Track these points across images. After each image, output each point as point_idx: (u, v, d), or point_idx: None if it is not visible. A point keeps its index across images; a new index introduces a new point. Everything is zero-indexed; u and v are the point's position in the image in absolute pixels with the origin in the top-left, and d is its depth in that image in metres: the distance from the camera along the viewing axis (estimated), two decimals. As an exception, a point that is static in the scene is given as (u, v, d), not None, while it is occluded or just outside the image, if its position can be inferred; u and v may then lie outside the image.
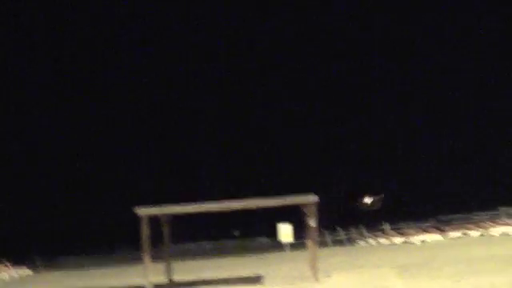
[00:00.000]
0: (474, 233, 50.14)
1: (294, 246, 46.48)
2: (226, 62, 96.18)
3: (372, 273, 24.62)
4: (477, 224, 52.63)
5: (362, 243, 55.09)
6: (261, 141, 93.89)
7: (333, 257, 35.91)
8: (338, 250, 47.29)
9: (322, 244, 47.72)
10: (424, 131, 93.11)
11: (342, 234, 57.78)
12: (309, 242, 25.30)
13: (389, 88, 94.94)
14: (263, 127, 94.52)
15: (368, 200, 55.95)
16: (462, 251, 32.48)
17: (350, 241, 56.58)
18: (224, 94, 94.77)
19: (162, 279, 26.32)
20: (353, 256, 37.41)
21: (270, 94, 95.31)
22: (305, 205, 24.62)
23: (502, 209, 57.77)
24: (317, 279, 22.82)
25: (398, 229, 57.28)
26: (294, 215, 25.96)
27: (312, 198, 24.17)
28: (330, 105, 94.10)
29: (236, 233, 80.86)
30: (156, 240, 26.27)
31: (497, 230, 48.32)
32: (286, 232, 45.46)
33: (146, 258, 23.79)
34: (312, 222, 24.27)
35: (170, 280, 26.68)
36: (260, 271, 28.71)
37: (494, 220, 53.41)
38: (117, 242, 73.77)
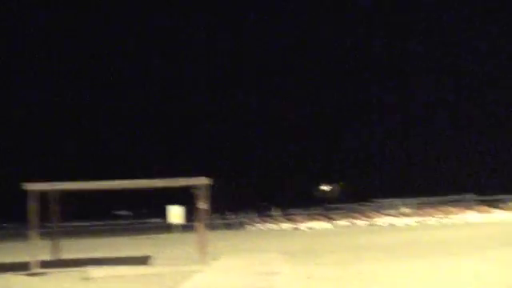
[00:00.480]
0: (360, 222, 51.49)
1: (185, 228, 46.47)
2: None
3: (260, 257, 24.88)
4: (363, 213, 54.07)
5: (251, 228, 55.65)
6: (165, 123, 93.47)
7: (222, 240, 36.13)
8: (227, 233, 47.58)
9: (212, 227, 47.89)
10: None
11: (231, 218, 58.20)
12: (198, 225, 25.32)
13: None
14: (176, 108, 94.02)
15: (326, 187, 56.59)
16: (348, 239, 33.29)
17: (240, 225, 57.07)
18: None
19: (49, 257, 25.85)
20: (241, 240, 37.74)
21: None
22: (196, 187, 24.62)
23: (389, 200, 59.59)
24: (204, 262, 22.87)
25: (288, 215, 58.18)
26: (189, 197, 25.93)
27: (203, 181, 24.17)
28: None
29: (128, 213, 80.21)
30: (46, 217, 25.75)
31: (382, 220, 49.78)
32: (175, 214, 45.34)
33: (33, 235, 23.29)
34: (202, 205, 24.28)
35: (58, 258, 26.23)
36: (149, 252, 28.59)
37: (379, 210, 55.02)
38: (4, 218, 71.95)
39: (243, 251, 29.09)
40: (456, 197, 68.82)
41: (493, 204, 52.33)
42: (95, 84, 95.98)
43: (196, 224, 25.71)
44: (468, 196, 71.49)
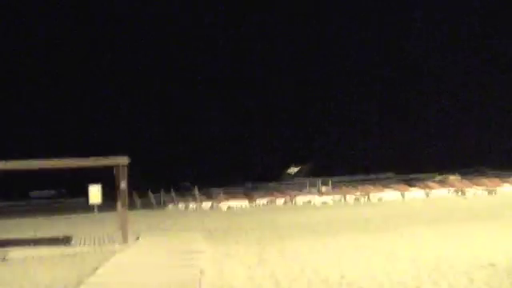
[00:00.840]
0: (280, 200, 52.01)
1: (105, 208, 46.09)
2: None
3: (181, 236, 25.02)
4: (282, 192, 54.62)
5: (171, 207, 55.59)
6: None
7: (142, 220, 36.10)
8: (147, 213, 47.46)
9: (132, 206, 47.68)
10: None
11: (151, 197, 57.97)
12: (119, 204, 25.26)
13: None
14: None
15: (294, 169, 56.68)
16: (268, 217, 33.69)
17: (160, 204, 56.90)
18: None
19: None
20: (162, 219, 37.74)
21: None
22: (116, 166, 24.53)
23: (309, 179, 60.41)
24: (126, 241, 22.89)
25: (207, 194, 58.31)
26: (110, 177, 25.78)
27: (123, 160, 24.09)
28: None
29: (47, 193, 78.99)
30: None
31: (301, 199, 50.41)
32: (95, 193, 44.84)
33: None
34: (122, 184, 24.22)
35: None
36: (69, 232, 28.37)
37: (301, 189, 55.72)
38: None
39: (164, 230, 29.16)
40: (375, 175, 70.31)
41: (410, 182, 53.63)
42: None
43: (117, 204, 25.65)
44: (389, 174, 73.14)
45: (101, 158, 25.08)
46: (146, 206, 55.26)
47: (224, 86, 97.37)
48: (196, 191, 56.84)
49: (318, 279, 12.84)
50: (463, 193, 46.95)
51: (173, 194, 58.41)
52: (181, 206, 55.30)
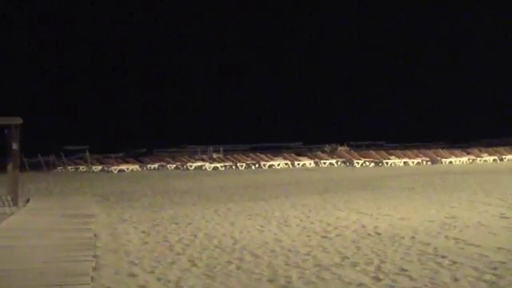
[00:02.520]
0: (171, 166, 52.19)
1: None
2: None
3: (73, 200, 24.87)
4: (175, 158, 54.77)
5: (62, 170, 54.85)
6: None
7: (33, 182, 35.53)
8: (36, 175, 46.68)
9: (21, 168, 46.72)
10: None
11: (41, 159, 56.97)
12: (9, 166, 24.80)
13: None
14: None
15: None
16: (160, 183, 33.84)
17: (51, 167, 56.02)
18: None
19: None
20: (53, 182, 37.28)
21: None
22: (8, 127, 24.06)
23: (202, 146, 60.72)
24: (16, 204, 22.57)
25: (99, 158, 57.79)
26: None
27: (15, 120, 23.62)
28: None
29: None
30: None
31: (193, 165, 50.73)
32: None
33: None
34: (14, 145, 23.79)
35: None
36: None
37: (192, 155, 55.96)
38: None
39: (55, 194, 28.89)
40: (270, 144, 71.21)
41: (302, 153, 54.71)
42: None
43: (7, 165, 25.17)
44: (294, 144, 74.13)
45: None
46: (35, 168, 54.28)
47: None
48: (87, 154, 56.17)
49: (212, 245, 13.14)
50: (352, 164, 48.35)
51: (63, 156, 57.55)
52: (71, 168, 54.65)
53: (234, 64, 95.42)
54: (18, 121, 23.50)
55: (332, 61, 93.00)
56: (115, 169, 50.51)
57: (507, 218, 15.67)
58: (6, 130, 24.24)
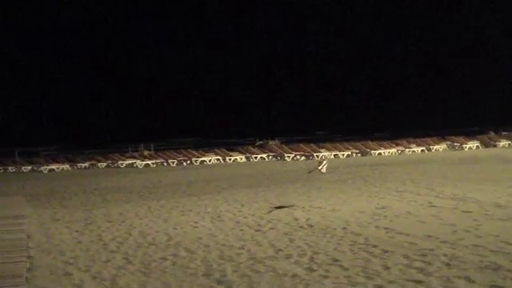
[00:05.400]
0: (102, 164, 51.74)
1: None
2: None
3: (2, 200, 24.50)
4: (105, 156, 54.30)
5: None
6: None
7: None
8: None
9: None
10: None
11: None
12: None
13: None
14: None
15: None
16: (92, 181, 33.55)
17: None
18: None
19: None
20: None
21: None
22: None
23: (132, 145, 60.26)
24: None
25: (27, 158, 56.93)
26: None
27: None
28: None
29: None
30: None
31: (124, 163, 50.44)
32: None
33: None
34: None
35: None
36: None
37: (123, 153, 55.58)
38: None
39: (-17, 195, 28.38)
40: (200, 140, 71.21)
41: (234, 148, 54.80)
42: None
43: None
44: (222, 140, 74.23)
45: None
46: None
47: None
48: (16, 154, 55.25)
49: (146, 242, 13.18)
50: (282, 158, 48.74)
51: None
52: (-1, 169, 53.73)
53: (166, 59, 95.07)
54: None
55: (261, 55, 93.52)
56: (45, 168, 49.82)
57: (435, 206, 16.10)
58: None
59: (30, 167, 52.04)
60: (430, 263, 9.89)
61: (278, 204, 18.29)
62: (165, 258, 11.34)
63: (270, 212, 16.87)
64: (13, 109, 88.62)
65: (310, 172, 25.20)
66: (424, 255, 10.45)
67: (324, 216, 15.52)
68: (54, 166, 50.66)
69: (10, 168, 53.49)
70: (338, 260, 10.47)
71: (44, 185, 32.89)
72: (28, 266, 10.95)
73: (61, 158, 55.24)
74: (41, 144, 68.46)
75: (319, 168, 24.45)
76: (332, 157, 47.46)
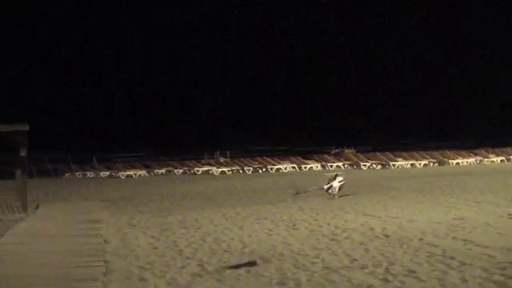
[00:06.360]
0: (178, 170, 52.27)
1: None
2: None
3: (81, 205, 25.00)
4: (181, 163, 54.82)
5: (69, 175, 55.01)
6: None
7: (41, 188, 35.61)
8: (45, 181, 46.80)
9: (30, 174, 46.89)
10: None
11: (48, 165, 57.13)
12: (18, 172, 24.95)
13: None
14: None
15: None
16: (168, 187, 33.90)
17: (57, 173, 56.18)
18: None
19: None
20: (60, 188, 37.43)
21: None
22: (15, 133, 24.20)
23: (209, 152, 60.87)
24: (25, 210, 22.69)
25: (106, 163, 57.93)
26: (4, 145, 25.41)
27: (22, 127, 23.75)
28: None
29: None
30: None
31: (200, 169, 50.82)
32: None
33: None
34: (22, 151, 23.92)
35: None
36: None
37: (199, 160, 56.01)
38: None
39: (63, 199, 29.01)
40: (273, 148, 71.21)
41: (309, 156, 54.57)
42: None
43: (15, 171, 25.32)
44: (288, 147, 74.14)
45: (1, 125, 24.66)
46: (43, 174, 54.39)
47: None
48: (94, 160, 56.34)
49: (221, 249, 13.21)
50: (358, 166, 48.36)
51: (70, 162, 57.72)
52: (78, 174, 54.81)
53: (236, 66, 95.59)
54: (26, 127, 23.62)
55: (337, 64, 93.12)
56: (123, 174, 50.63)
57: (515, 218, 15.70)
58: (14, 137, 24.39)
59: (107, 173, 52.95)
60: (510, 277, 9.62)
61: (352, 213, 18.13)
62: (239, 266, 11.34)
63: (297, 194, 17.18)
64: (95, 115, 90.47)
65: (296, 193, 24.05)
66: (503, 268, 10.16)
67: (400, 226, 15.29)
68: (131, 172, 51.41)
69: (88, 173, 54.54)
70: (414, 271, 10.28)
71: (121, 190, 33.39)
72: (104, 270, 11.10)
73: (138, 164, 56.05)
74: (118, 151, 69.48)
75: (327, 187, 23.25)
76: (409, 166, 46.78)
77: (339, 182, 23.33)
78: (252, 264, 11.35)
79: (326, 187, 23.29)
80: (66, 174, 55.59)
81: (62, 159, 58.90)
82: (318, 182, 25.54)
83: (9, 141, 25.14)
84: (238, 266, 11.21)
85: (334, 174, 25.01)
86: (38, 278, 10.54)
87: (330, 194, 22.93)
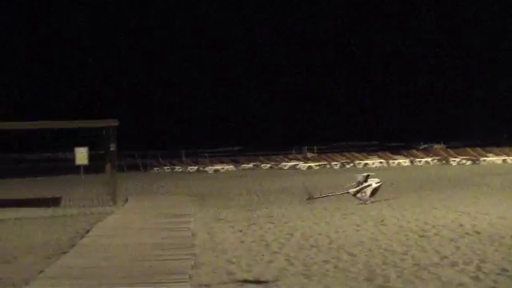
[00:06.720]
0: (265, 165, 52.39)
1: (90, 170, 46.11)
2: None
3: (169, 199, 25.30)
4: (269, 158, 54.95)
5: (157, 170, 55.83)
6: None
7: (130, 182, 36.30)
8: (134, 175, 47.66)
9: (119, 168, 47.80)
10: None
11: (138, 160, 58.13)
12: (108, 166, 25.48)
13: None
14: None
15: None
16: (255, 182, 33.98)
17: (146, 167, 57.11)
18: None
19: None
20: (149, 182, 38.01)
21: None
22: (105, 128, 24.72)
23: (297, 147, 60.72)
24: (115, 203, 23.15)
25: (194, 157, 58.59)
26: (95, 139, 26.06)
27: (112, 122, 24.22)
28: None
29: (34, 155, 78.62)
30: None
31: (287, 164, 50.81)
32: (82, 155, 44.90)
33: None
34: (112, 146, 24.40)
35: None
36: (57, 193, 28.50)
37: (286, 155, 56.05)
38: None
39: (152, 193, 29.45)
40: (360, 143, 70.73)
41: (397, 151, 53.94)
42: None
43: (106, 166, 25.86)
44: (374, 143, 73.63)
45: (91, 120, 25.27)
46: (132, 168, 55.40)
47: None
48: (183, 155, 57.04)
49: (308, 244, 13.14)
50: (447, 162, 47.44)
51: (159, 156, 58.60)
52: (167, 169, 55.56)
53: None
54: (115, 122, 24.09)
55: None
56: (210, 169, 51.06)
57: None
58: (104, 132, 24.94)
59: (195, 167, 53.49)
60: None
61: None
62: (326, 261, 11.26)
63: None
64: (185, 111, 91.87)
65: (308, 199, 21.16)
66: None
67: (491, 223, 14.91)
68: (218, 167, 51.79)
69: (177, 168, 55.23)
70: (507, 270, 9.99)
71: (208, 185, 33.65)
72: (193, 263, 11.19)
73: (226, 159, 56.45)
74: (208, 146, 70.21)
75: (354, 191, 20.60)
76: (500, 162, 45.59)
77: (375, 183, 20.56)
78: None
79: (352, 191, 20.64)
80: (155, 169, 56.42)
81: (151, 154, 59.85)
82: (344, 184, 22.78)
83: (99, 135, 25.77)
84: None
85: (365, 174, 21.70)
86: (126, 270, 10.71)
87: (359, 199, 20.35)
